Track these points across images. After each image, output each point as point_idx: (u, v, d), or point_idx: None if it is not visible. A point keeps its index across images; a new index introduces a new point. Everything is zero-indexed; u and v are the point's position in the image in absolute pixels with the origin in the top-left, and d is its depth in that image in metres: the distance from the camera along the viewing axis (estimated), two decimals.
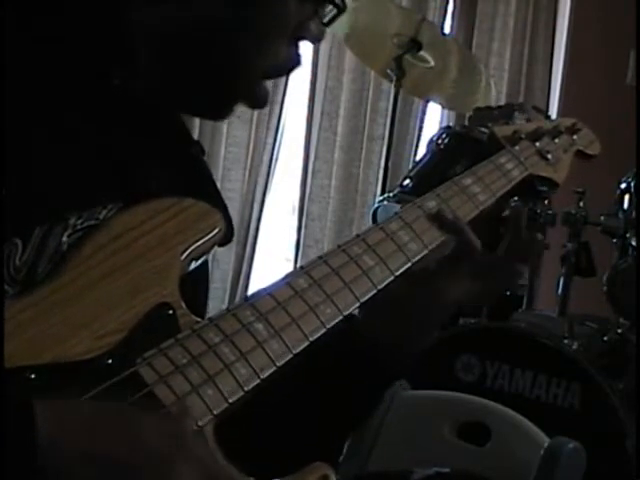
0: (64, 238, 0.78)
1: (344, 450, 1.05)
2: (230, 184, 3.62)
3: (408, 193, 2.61)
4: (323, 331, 0.84)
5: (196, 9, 0.86)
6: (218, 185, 1.00)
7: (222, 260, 3.61)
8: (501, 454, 1.65)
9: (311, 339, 0.83)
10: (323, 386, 0.97)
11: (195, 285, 0.87)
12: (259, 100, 0.94)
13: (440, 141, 2.68)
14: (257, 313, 0.81)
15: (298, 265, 0.89)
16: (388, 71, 3.04)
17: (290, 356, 0.81)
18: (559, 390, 2.24)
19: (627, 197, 2.50)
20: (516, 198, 1.16)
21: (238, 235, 3.61)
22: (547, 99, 4.05)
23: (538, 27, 4.04)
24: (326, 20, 0.93)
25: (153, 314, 0.76)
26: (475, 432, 1.69)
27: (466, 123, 2.79)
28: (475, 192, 1.05)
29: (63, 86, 0.83)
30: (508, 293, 2.72)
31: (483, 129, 2.12)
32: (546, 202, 2.46)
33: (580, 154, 1.25)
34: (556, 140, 1.20)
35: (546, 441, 1.61)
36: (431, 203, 1.00)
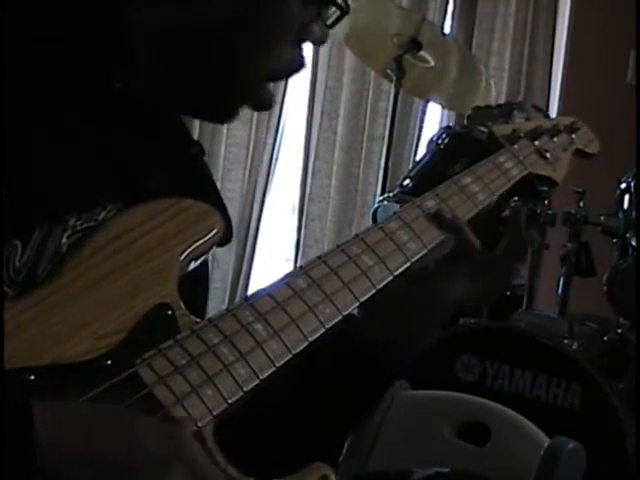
0: (64, 239, 0.78)
1: (344, 450, 1.05)
2: (230, 184, 3.62)
3: (408, 193, 2.61)
4: (322, 331, 0.84)
5: (196, 9, 0.86)
6: (218, 185, 1.00)
7: (222, 260, 3.61)
8: (501, 454, 1.65)
9: (310, 339, 0.83)
10: (323, 386, 0.97)
11: (195, 285, 0.87)
12: (264, 102, 0.94)
13: (440, 141, 2.68)
14: (256, 313, 0.81)
15: (298, 265, 0.89)
16: (388, 71, 3.04)
17: (289, 356, 0.81)
18: (559, 390, 2.24)
19: (627, 197, 2.50)
20: (516, 198, 1.15)
21: (238, 235, 3.61)
22: (547, 99, 4.05)
23: (538, 27, 4.04)
24: (329, 22, 0.93)
25: (152, 315, 0.76)
26: (475, 432, 1.69)
27: (465, 122, 2.80)
28: (474, 191, 1.05)
29: (63, 86, 0.83)
30: (508, 293, 2.72)
31: (482, 128, 2.12)
32: (546, 202, 2.46)
33: (579, 153, 1.25)
34: (555, 139, 1.20)
35: (546, 441, 1.61)
36: (430, 202, 1.00)
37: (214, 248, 0.84)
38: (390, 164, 3.15)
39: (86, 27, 0.85)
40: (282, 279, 0.85)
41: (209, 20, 0.87)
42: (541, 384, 2.27)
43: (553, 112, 3.89)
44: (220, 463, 0.74)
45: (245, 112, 0.95)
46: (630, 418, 2.16)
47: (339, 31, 3.06)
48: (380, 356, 0.97)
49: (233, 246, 3.59)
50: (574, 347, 2.32)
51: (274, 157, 3.73)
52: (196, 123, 3.23)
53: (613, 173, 2.54)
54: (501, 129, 1.16)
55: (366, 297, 0.90)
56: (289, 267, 3.79)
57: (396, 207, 2.51)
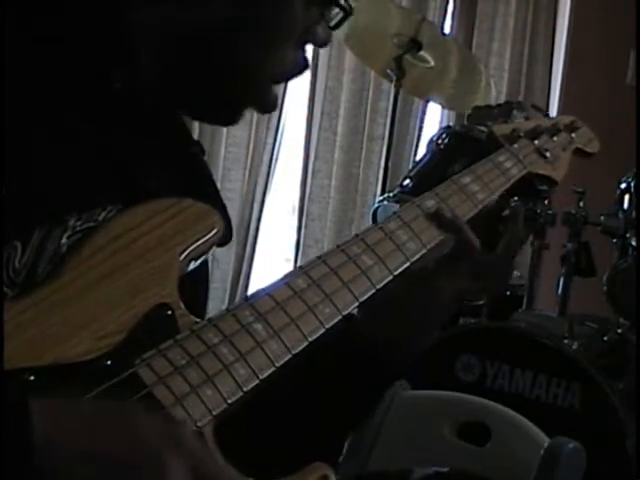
0: (63, 240, 0.78)
1: (344, 450, 1.05)
2: (230, 184, 3.62)
3: (408, 193, 2.61)
4: (322, 331, 0.84)
5: (196, 9, 0.86)
6: (218, 185, 1.00)
7: (222, 260, 3.61)
8: (501, 454, 1.65)
9: (310, 339, 0.83)
10: (323, 386, 0.97)
11: (195, 285, 0.87)
12: (267, 105, 0.94)
13: (440, 141, 2.68)
14: (256, 313, 0.81)
15: (298, 265, 0.89)
16: (388, 71, 3.04)
17: (289, 356, 0.81)
18: (559, 390, 2.25)
19: (627, 197, 2.50)
20: (516, 198, 1.16)
21: (238, 235, 3.61)
22: (547, 99, 4.05)
23: (538, 27, 4.04)
24: (332, 24, 0.93)
25: (152, 315, 0.76)
26: (475, 432, 1.69)
27: (465, 122, 2.80)
28: (474, 191, 1.05)
29: (63, 86, 0.83)
30: (508, 293, 2.72)
31: (482, 128, 2.11)
32: (546, 202, 2.46)
33: (579, 152, 1.25)
34: (555, 138, 1.20)
35: (546, 441, 1.61)
36: (430, 202, 1.00)
37: (214, 248, 0.84)
38: (390, 164, 3.15)
39: (86, 27, 0.85)
40: (282, 279, 0.85)
41: (209, 20, 0.87)
42: (541, 384, 2.27)
43: (553, 112, 3.89)
44: (219, 462, 0.74)
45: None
46: (630, 418, 2.16)
47: (339, 31, 3.06)
48: (380, 356, 0.97)
49: (233, 246, 3.59)
50: (574, 347, 2.32)
51: (274, 157, 3.73)
52: (196, 123, 3.23)
53: (613, 173, 2.54)
54: (501, 129, 1.16)
55: (366, 297, 0.90)
56: (289, 267, 3.80)
57: (396, 207, 2.50)
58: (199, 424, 0.73)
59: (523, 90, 4.03)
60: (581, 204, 2.49)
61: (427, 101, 3.76)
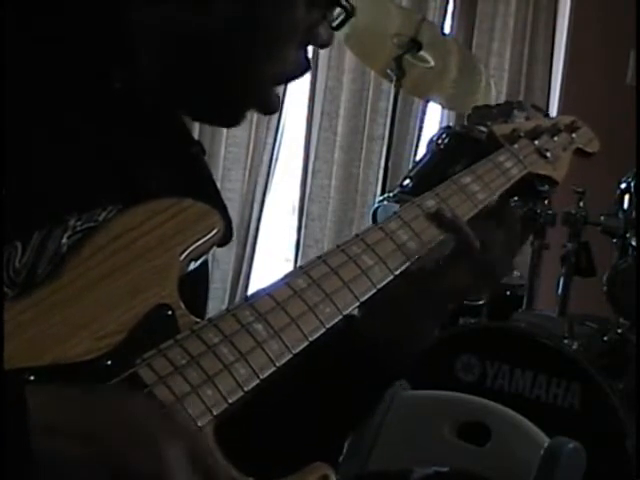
0: (64, 240, 0.78)
1: (344, 450, 1.05)
2: (230, 184, 3.62)
3: (408, 193, 2.61)
4: (322, 331, 0.84)
5: (196, 9, 0.86)
6: (218, 185, 1.00)
7: (222, 260, 3.61)
8: (501, 454, 1.65)
9: (310, 339, 0.83)
10: (323, 386, 0.97)
11: (195, 285, 0.87)
12: (269, 106, 0.94)
13: (440, 141, 2.68)
14: (256, 313, 0.81)
15: (298, 265, 0.89)
16: (388, 71, 3.04)
17: (290, 356, 0.81)
18: (559, 390, 2.25)
19: (627, 197, 2.50)
20: (516, 198, 1.16)
21: (238, 235, 3.61)
22: (547, 99, 4.05)
23: (538, 27, 4.04)
24: (334, 24, 0.93)
25: (152, 315, 0.76)
26: (475, 432, 1.69)
27: (465, 122, 2.80)
28: (474, 191, 1.04)
29: (63, 86, 0.83)
30: (508, 293, 2.72)
31: (482, 128, 2.11)
32: (546, 202, 2.46)
33: (579, 152, 1.25)
34: (555, 138, 1.20)
35: (546, 441, 1.61)
36: (430, 202, 1.00)
37: (214, 248, 0.84)
38: (390, 164, 3.15)
39: (86, 27, 0.85)
40: (282, 279, 0.85)
41: (209, 20, 0.87)
42: (541, 384, 2.27)
43: (553, 112, 3.89)
44: (220, 463, 0.74)
45: None
46: (630, 418, 2.16)
47: (339, 31, 3.06)
48: (380, 356, 0.97)
49: (233, 246, 3.59)
50: (574, 347, 2.33)
51: (274, 157, 3.73)
52: (197, 122, 3.23)
53: (613, 173, 2.54)
54: (501, 129, 1.15)
55: (366, 297, 0.90)
56: (289, 267, 3.80)
57: (396, 207, 2.50)
58: (199, 424, 0.73)
59: (523, 90, 4.03)
60: (581, 204, 2.49)
61: (427, 101, 3.76)
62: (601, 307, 2.53)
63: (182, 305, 0.79)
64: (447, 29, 3.92)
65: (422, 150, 3.23)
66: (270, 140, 3.68)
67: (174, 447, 0.67)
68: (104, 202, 0.81)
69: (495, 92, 3.31)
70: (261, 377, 0.78)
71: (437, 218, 0.99)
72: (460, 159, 2.49)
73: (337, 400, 0.97)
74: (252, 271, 3.74)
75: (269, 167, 3.71)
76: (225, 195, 3.40)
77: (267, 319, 0.81)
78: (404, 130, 3.80)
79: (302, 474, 0.77)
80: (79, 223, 0.79)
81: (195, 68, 0.89)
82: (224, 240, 0.84)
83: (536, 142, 1.17)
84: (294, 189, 3.87)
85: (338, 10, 0.93)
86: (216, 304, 3.29)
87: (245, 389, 0.77)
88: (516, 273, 2.74)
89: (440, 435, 1.70)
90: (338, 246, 0.91)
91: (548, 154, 1.16)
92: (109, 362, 0.73)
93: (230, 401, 0.76)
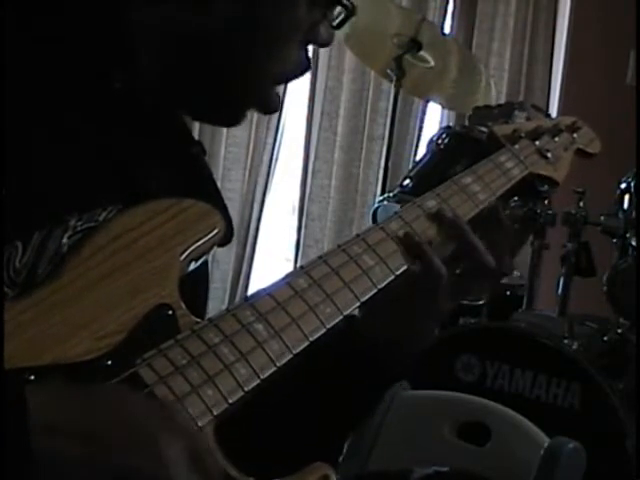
0: (64, 240, 0.78)
1: (344, 450, 1.05)
2: (230, 184, 3.62)
3: (408, 193, 2.61)
4: (323, 331, 0.84)
5: (196, 9, 0.86)
6: (218, 185, 1.00)
7: (222, 260, 3.61)
8: (501, 454, 1.65)
9: (311, 339, 0.83)
10: (323, 386, 0.97)
11: (195, 285, 0.87)
12: (270, 105, 0.94)
13: (440, 141, 2.68)
14: (257, 313, 0.81)
15: (298, 265, 0.89)
16: (388, 71, 3.04)
17: (290, 356, 0.81)
18: (559, 390, 2.25)
19: (627, 197, 2.50)
20: (516, 198, 1.16)
21: (238, 235, 3.61)
22: (547, 99, 4.05)
23: (538, 27, 4.04)
24: (335, 23, 0.93)
25: (153, 315, 0.76)
26: (475, 432, 1.69)
27: (466, 122, 2.80)
28: (475, 191, 1.04)
29: (63, 86, 0.83)
30: (508, 293, 2.72)
31: (483, 128, 2.11)
32: (546, 202, 2.46)
33: (580, 152, 1.25)
34: (556, 139, 1.20)
35: (546, 441, 1.61)
36: (431, 202, 1.00)
37: (215, 248, 0.84)
38: (390, 164, 3.15)
39: (86, 27, 0.85)
40: (283, 279, 0.85)
41: (209, 20, 0.86)
42: (541, 384, 2.27)
43: (553, 112, 3.89)
44: (220, 463, 0.74)
45: None
46: (630, 418, 2.16)
47: (339, 31, 3.06)
48: (381, 356, 0.97)
49: (233, 246, 3.59)
50: (574, 347, 2.32)
51: (274, 157, 3.73)
52: (196, 123, 3.23)
53: (613, 173, 2.54)
54: (502, 129, 1.15)
55: (367, 297, 0.90)
56: (289, 267, 3.80)
57: (396, 207, 2.52)
58: (200, 424, 0.73)
59: (523, 90, 4.03)
60: (581, 204, 2.49)
61: (427, 101, 3.76)
62: (601, 307, 2.53)
63: (182, 305, 0.79)
64: (447, 29, 3.92)
65: (422, 150, 3.23)
66: (270, 140, 3.68)
67: (174, 447, 0.67)
68: (104, 202, 0.81)
69: (495, 92, 3.31)
70: (261, 377, 0.78)
71: (438, 218, 0.99)
72: (460, 159, 2.49)
73: (337, 400, 0.97)
74: (252, 271, 3.74)
75: (269, 167, 3.71)
76: (225, 195, 3.38)
77: (268, 319, 0.81)
78: (404, 130, 3.80)
79: (302, 474, 0.77)
80: (79, 223, 0.79)
81: (195, 68, 0.89)
82: (225, 240, 0.84)
83: (537, 143, 1.17)
84: (294, 189, 3.87)
85: (339, 9, 0.92)
86: (216, 304, 3.28)
87: (245, 389, 0.77)
88: (516, 273, 2.74)
89: (440, 435, 1.70)
90: (339, 246, 0.91)
91: (549, 154, 1.16)
92: (109, 362, 0.73)
93: (230, 401, 0.76)
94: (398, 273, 0.93)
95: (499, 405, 1.71)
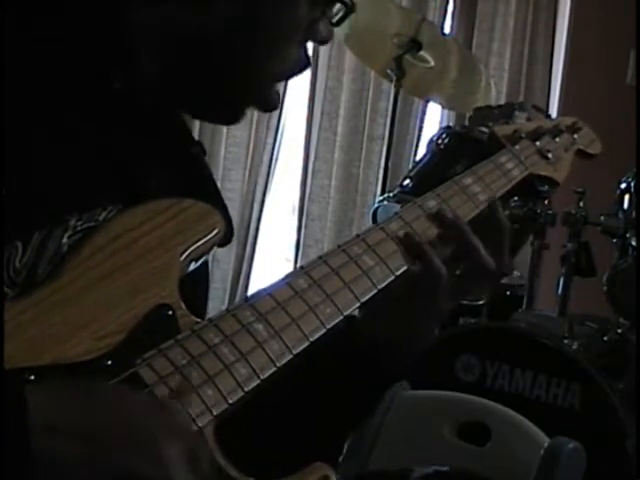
0: (64, 240, 0.78)
1: (344, 450, 1.05)
2: (230, 184, 3.62)
3: (408, 193, 2.61)
4: (323, 331, 0.84)
5: (196, 9, 0.86)
6: (218, 185, 1.00)
7: (222, 260, 3.61)
8: (501, 454, 1.65)
9: (311, 339, 0.83)
10: (323, 386, 0.97)
11: (195, 285, 0.87)
12: (269, 103, 0.94)
13: (440, 141, 2.68)
14: (257, 313, 0.81)
15: (298, 265, 0.89)
16: (388, 71, 3.04)
17: (290, 356, 0.81)
18: (559, 390, 2.25)
19: (627, 197, 2.50)
20: (516, 198, 1.16)
21: (238, 235, 3.61)
22: (547, 99, 4.05)
23: (538, 27, 4.04)
24: (334, 20, 0.93)
25: (153, 315, 0.76)
26: (475, 432, 1.69)
27: (466, 123, 2.80)
28: (475, 192, 1.04)
29: (63, 86, 0.83)
30: (508, 293, 2.72)
31: (483, 129, 2.12)
32: (546, 202, 2.46)
33: (581, 153, 1.25)
34: (557, 139, 1.20)
35: (546, 441, 1.61)
36: (431, 203, 1.00)
37: (215, 248, 0.84)
38: (390, 164, 3.15)
39: (86, 27, 0.85)
40: (283, 279, 0.85)
41: (209, 20, 0.86)
42: (541, 384, 2.27)
43: (553, 112, 3.89)
44: (220, 463, 0.74)
45: None
46: (630, 418, 2.16)
47: (339, 31, 3.06)
48: (381, 356, 0.97)
49: (233, 246, 3.59)
50: (574, 347, 2.32)
51: (274, 157, 3.73)
52: (196, 123, 3.23)
53: (613, 173, 2.54)
54: (502, 129, 1.15)
55: (367, 297, 0.90)
56: (289, 267, 3.80)
57: (396, 207, 2.52)
58: (200, 424, 0.73)
59: (523, 90, 4.03)
60: (581, 204, 2.49)
61: (427, 101, 3.76)
62: (601, 307, 2.53)
63: (183, 305, 0.79)
64: (447, 29, 3.92)
65: (422, 150, 3.23)
66: (270, 140, 3.68)
67: (174, 447, 0.67)
68: (104, 202, 0.81)
69: (495, 92, 3.31)
70: (261, 377, 0.78)
71: (438, 219, 0.99)
72: (460, 159, 2.49)
73: (337, 400, 0.97)
74: (252, 271, 3.74)
75: (269, 167, 3.71)
76: (225, 195, 3.39)
77: (268, 319, 0.81)
78: (404, 130, 3.80)
79: (302, 474, 0.77)
80: (79, 223, 0.79)
81: (195, 68, 0.89)
82: (225, 240, 0.84)
83: (537, 143, 1.17)
84: (294, 189, 3.87)
85: (338, 6, 0.92)
86: (216, 304, 3.28)
87: (245, 389, 0.77)
88: (516, 273, 2.74)
89: (440, 435, 1.70)
90: (339, 246, 0.91)
91: (549, 155, 1.16)
92: (109, 362, 0.73)
93: (230, 401, 0.76)
94: (398, 273, 0.93)
95: (499, 405, 1.71)
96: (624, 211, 2.49)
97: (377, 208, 2.73)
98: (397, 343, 0.98)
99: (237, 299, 3.56)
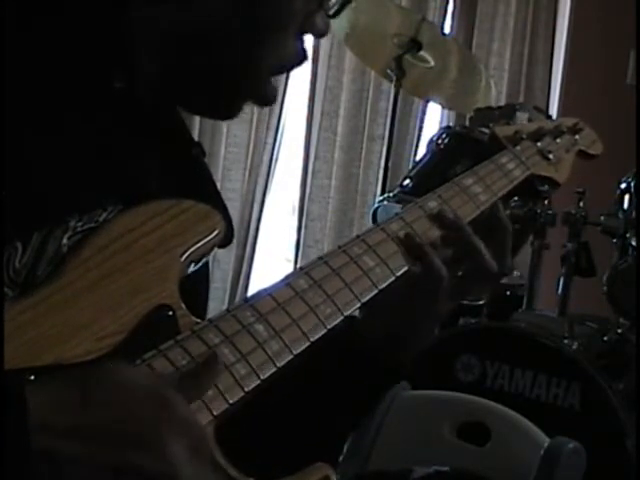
0: (64, 240, 0.78)
1: (344, 450, 1.05)
2: (230, 184, 3.62)
3: (408, 193, 2.61)
4: (324, 332, 0.84)
5: (196, 9, 0.86)
6: (218, 185, 1.00)
7: (222, 260, 3.61)
8: (501, 454, 1.65)
9: (312, 340, 0.83)
10: (323, 386, 0.97)
11: (195, 286, 0.87)
12: (267, 98, 0.94)
13: (440, 141, 2.69)
14: (257, 314, 0.80)
15: (298, 265, 0.89)
16: (388, 71, 3.04)
17: (290, 357, 0.81)
18: (559, 390, 2.25)
19: (627, 197, 2.50)
20: (516, 198, 1.16)
21: (238, 235, 3.61)
22: (547, 99, 4.05)
23: (538, 27, 4.04)
24: (331, 12, 0.92)
25: (153, 315, 0.76)
26: (475, 432, 1.69)
27: (467, 124, 2.80)
28: (476, 192, 1.04)
29: (63, 86, 0.83)
30: (508, 293, 2.72)
31: (484, 129, 2.12)
32: (546, 202, 2.46)
33: (582, 154, 1.25)
34: (558, 140, 1.20)
35: (546, 441, 1.61)
36: (432, 203, 1.00)
37: (215, 249, 0.84)
38: (390, 164, 3.15)
39: (86, 27, 0.85)
40: (283, 280, 0.85)
41: (209, 20, 0.86)
42: (541, 384, 2.27)
43: (553, 112, 3.89)
44: (220, 463, 0.74)
45: (245, 111, 0.95)
46: (630, 418, 2.16)
47: (339, 31, 3.07)
48: (381, 356, 0.97)
49: (233, 246, 3.59)
50: (574, 347, 2.33)
51: (274, 157, 3.73)
52: (196, 123, 3.23)
53: (613, 173, 2.54)
54: (503, 130, 1.15)
55: (368, 297, 0.90)
56: (289, 267, 3.80)
57: (396, 207, 2.52)
58: None
59: (523, 90, 4.03)
60: (581, 204, 2.49)
61: (427, 101, 3.76)
62: (601, 307, 2.53)
63: (183, 305, 0.79)
64: (447, 29, 3.92)
65: (422, 150, 3.23)
66: (270, 140, 3.68)
67: (179, 443, 0.67)
68: (104, 202, 0.81)
69: (495, 92, 3.31)
70: (262, 377, 0.78)
71: (439, 219, 0.98)
72: (460, 159, 2.49)
73: (337, 400, 0.97)
74: (252, 271, 3.74)
75: (269, 167, 3.71)
76: (225, 195, 3.40)
77: (268, 319, 0.81)
78: (404, 130, 3.80)
79: (303, 474, 0.77)
80: (79, 224, 0.79)
81: (195, 67, 0.89)
82: (225, 241, 0.84)
83: (539, 144, 1.17)
84: (294, 189, 3.87)
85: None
86: (216, 304, 3.28)
87: (246, 389, 0.77)
88: (516, 273, 2.74)
89: (440, 435, 1.71)
90: (339, 247, 0.91)
91: (551, 156, 1.16)
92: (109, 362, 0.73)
93: (231, 401, 0.75)
94: (399, 274, 0.93)
95: (499, 405, 1.71)
96: (624, 211, 2.49)
97: (377, 208, 2.73)
98: (397, 343, 0.98)
99: (237, 299, 3.56)
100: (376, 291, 0.90)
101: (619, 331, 2.45)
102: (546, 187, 1.19)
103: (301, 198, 3.83)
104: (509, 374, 2.30)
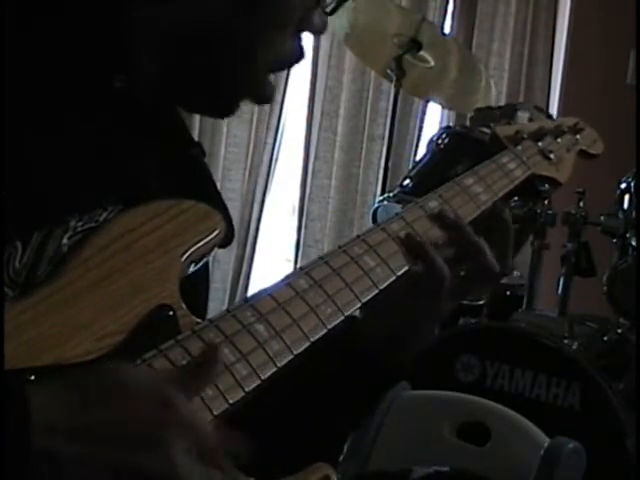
0: (64, 240, 0.78)
1: (344, 450, 1.05)
2: (230, 184, 3.62)
3: (408, 193, 2.61)
4: (324, 331, 0.84)
5: (196, 9, 0.86)
6: (218, 185, 1.00)
7: (222, 260, 3.61)
8: (501, 454, 1.65)
9: (312, 339, 0.83)
10: (323, 386, 0.97)
11: (195, 286, 0.87)
12: (265, 95, 0.94)
13: (440, 141, 2.69)
14: (257, 314, 0.80)
15: (298, 265, 0.89)
16: (388, 71, 3.04)
17: (291, 357, 0.81)
18: (559, 390, 2.25)
19: (627, 197, 2.50)
20: (516, 198, 1.16)
21: (238, 235, 3.61)
22: (547, 99, 4.05)
23: (538, 27, 4.04)
24: (328, 9, 0.92)
25: (153, 315, 0.76)
26: (475, 432, 1.69)
27: (468, 123, 2.80)
28: (477, 192, 1.04)
29: (63, 86, 0.83)
30: (508, 293, 2.72)
31: (484, 129, 2.12)
32: (546, 202, 2.46)
33: (583, 153, 1.25)
34: (559, 140, 1.20)
35: (546, 441, 1.61)
36: (433, 203, 1.00)
37: (215, 249, 0.84)
38: (390, 164, 3.15)
39: (86, 27, 0.85)
40: (283, 280, 0.85)
41: (209, 20, 0.86)
42: (541, 384, 2.27)
43: (553, 112, 3.89)
44: (221, 463, 0.74)
45: (245, 112, 0.95)
46: (630, 418, 2.16)
47: (339, 31, 3.07)
48: (381, 356, 0.97)
49: (233, 246, 3.59)
50: (574, 347, 2.33)
51: (274, 157, 3.73)
52: (196, 123, 3.23)
53: (613, 173, 2.54)
54: (504, 130, 1.15)
55: (368, 297, 0.89)
56: (289, 267, 3.80)
57: (396, 207, 2.52)
58: None
59: (523, 90, 4.03)
60: (581, 204, 2.49)
61: (427, 101, 3.76)
62: (601, 307, 2.53)
63: (183, 305, 0.79)
64: (447, 29, 3.92)
65: (422, 150, 3.23)
66: (270, 140, 3.68)
67: (181, 443, 0.67)
68: (104, 202, 0.81)
69: (495, 92, 3.31)
70: (262, 377, 0.78)
71: (440, 219, 0.98)
72: (460, 159, 2.49)
73: (337, 400, 0.97)
74: (252, 271, 3.74)
75: (269, 167, 3.71)
76: (225, 195, 3.38)
77: (268, 320, 0.81)
78: (404, 130, 3.80)
79: (303, 474, 0.77)
80: (80, 224, 0.79)
81: (195, 67, 0.89)
82: (225, 241, 0.84)
83: (540, 143, 1.17)
84: (294, 189, 3.87)
85: None
86: (216, 304, 3.28)
87: (246, 389, 0.77)
88: (516, 273, 2.74)
89: (440, 435, 1.71)
90: (340, 247, 0.91)
91: (552, 155, 1.16)
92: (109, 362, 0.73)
93: (231, 401, 0.75)
94: (399, 274, 0.93)
95: (499, 405, 1.71)
96: (624, 211, 2.49)
97: (377, 208, 2.73)
98: (398, 343, 0.98)
99: (237, 299, 3.56)
100: (377, 291, 0.90)
101: (619, 331, 2.45)
102: (547, 187, 1.19)
103: (301, 198, 3.83)
104: (509, 374, 2.30)
